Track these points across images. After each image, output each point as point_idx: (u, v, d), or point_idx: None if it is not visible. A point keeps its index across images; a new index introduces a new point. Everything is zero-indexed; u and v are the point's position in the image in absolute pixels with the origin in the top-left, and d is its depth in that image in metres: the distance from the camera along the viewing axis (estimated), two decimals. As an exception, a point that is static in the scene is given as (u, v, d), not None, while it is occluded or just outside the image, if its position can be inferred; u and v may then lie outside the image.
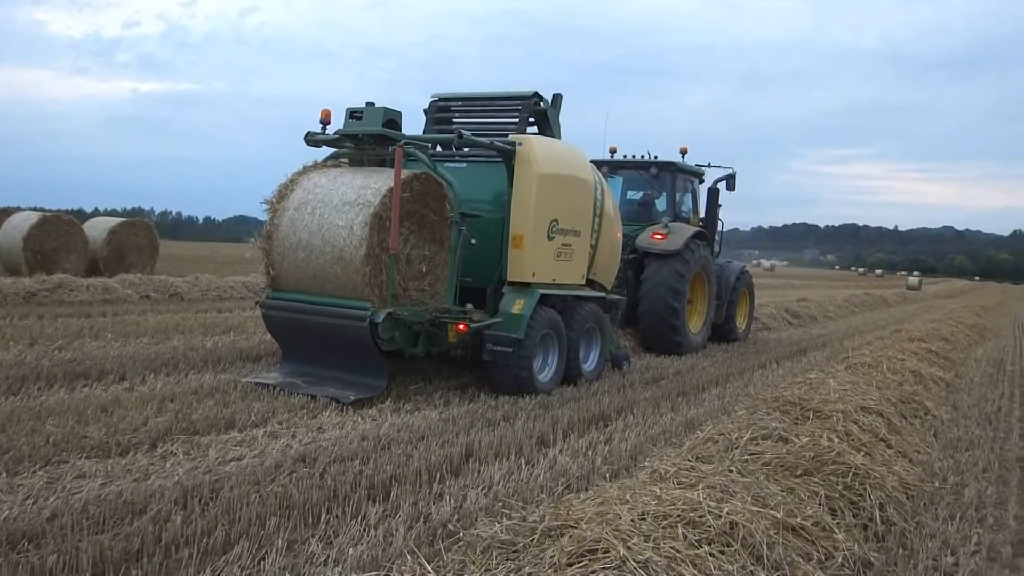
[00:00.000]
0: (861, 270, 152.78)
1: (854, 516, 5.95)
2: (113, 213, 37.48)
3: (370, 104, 10.31)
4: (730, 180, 17.95)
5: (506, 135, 10.80)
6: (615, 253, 13.09)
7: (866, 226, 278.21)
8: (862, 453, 6.97)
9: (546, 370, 10.60)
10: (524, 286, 10.39)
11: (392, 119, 10.31)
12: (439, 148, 11.77)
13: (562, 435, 8.15)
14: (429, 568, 4.20)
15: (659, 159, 17.02)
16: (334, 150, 10.93)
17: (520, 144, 10.38)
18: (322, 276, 9.48)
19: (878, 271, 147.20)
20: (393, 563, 4.63)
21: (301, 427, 7.78)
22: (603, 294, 12.38)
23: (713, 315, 16.94)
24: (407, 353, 9.65)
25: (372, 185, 9.46)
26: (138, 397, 8.36)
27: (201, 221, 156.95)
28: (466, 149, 11.53)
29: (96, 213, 47.40)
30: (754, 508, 5.14)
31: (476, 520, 5.35)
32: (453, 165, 11.40)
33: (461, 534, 5.02)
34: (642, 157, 17.18)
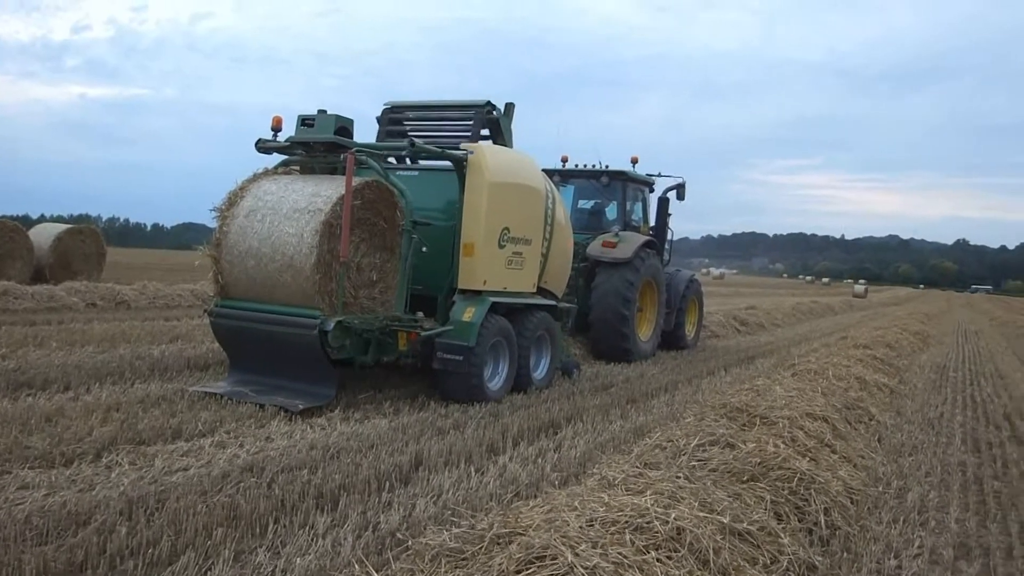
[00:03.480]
0: (809, 278, 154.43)
1: (799, 521, 6.01)
2: (59, 220, 36.94)
3: (322, 111, 10.28)
4: (680, 189, 18.15)
5: (459, 143, 10.84)
6: (566, 261, 13.15)
7: (814, 235, 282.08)
8: (807, 459, 7.06)
9: (496, 378, 10.63)
10: (475, 294, 10.45)
11: (344, 127, 10.26)
12: (392, 160, 11.75)
13: (512, 443, 8.16)
14: (377, 577, 4.20)
15: (610, 168, 17.19)
16: (285, 157, 10.86)
17: (472, 152, 10.45)
18: (272, 284, 9.39)
19: (825, 279, 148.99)
20: (341, 572, 4.62)
21: (249, 437, 7.71)
22: (554, 302, 12.38)
23: (663, 323, 17.08)
24: (357, 361, 9.55)
25: (323, 193, 9.42)
26: (83, 406, 8.24)
27: (149, 228, 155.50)
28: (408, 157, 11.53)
29: (42, 219, 46.74)
30: (701, 514, 5.18)
31: (425, 529, 5.34)
32: (405, 173, 11.43)
33: (410, 543, 5.00)
34: (593, 166, 17.35)
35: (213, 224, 9.94)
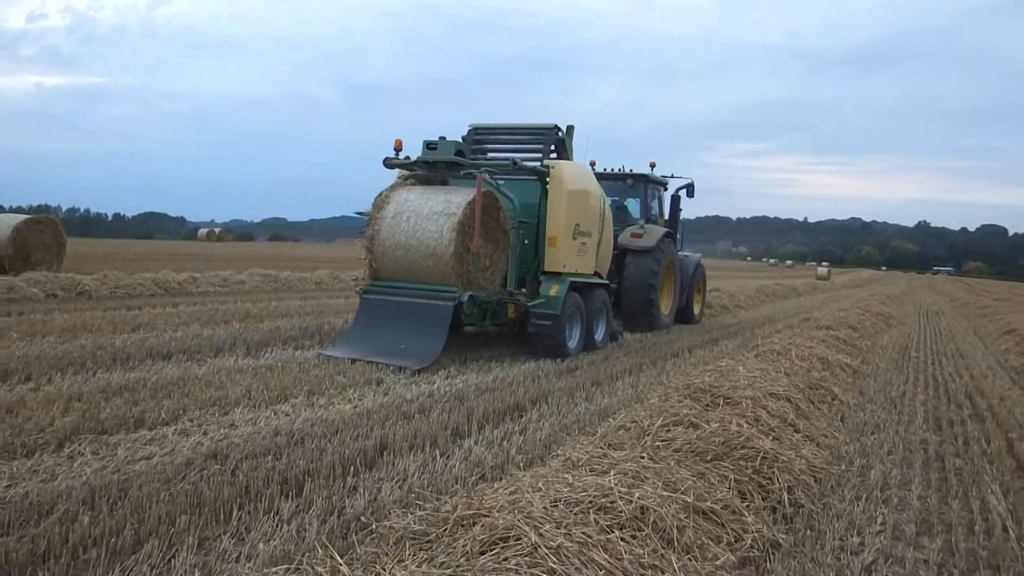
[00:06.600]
0: (772, 261, 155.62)
1: (763, 499, 6.06)
2: (19, 210, 36.49)
3: (442, 138, 13.23)
4: (689, 188, 21.06)
5: (533, 159, 14.23)
6: (610, 249, 16.36)
7: (777, 218, 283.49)
8: (771, 438, 7.11)
9: (572, 339, 13.70)
10: (556, 275, 13.60)
11: (460, 150, 13.21)
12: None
13: (477, 426, 8.16)
14: (341, 561, 4.19)
15: (633, 172, 20.13)
16: (404, 172, 13.87)
17: (553, 168, 13.69)
18: (416, 268, 12.28)
19: (788, 262, 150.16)
20: (305, 557, 4.60)
21: (212, 424, 7.66)
22: (607, 281, 15.82)
23: (679, 300, 20.26)
24: (479, 326, 13.06)
25: (454, 200, 12.28)
26: (44, 397, 8.16)
27: (110, 218, 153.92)
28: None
29: (0, 210, 46.19)
30: (665, 493, 5.21)
31: (390, 512, 5.34)
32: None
33: (374, 526, 5.01)
34: (618, 170, 20.13)
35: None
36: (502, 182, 13.75)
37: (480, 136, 15.15)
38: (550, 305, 13.03)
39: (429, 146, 13.23)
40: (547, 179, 13.67)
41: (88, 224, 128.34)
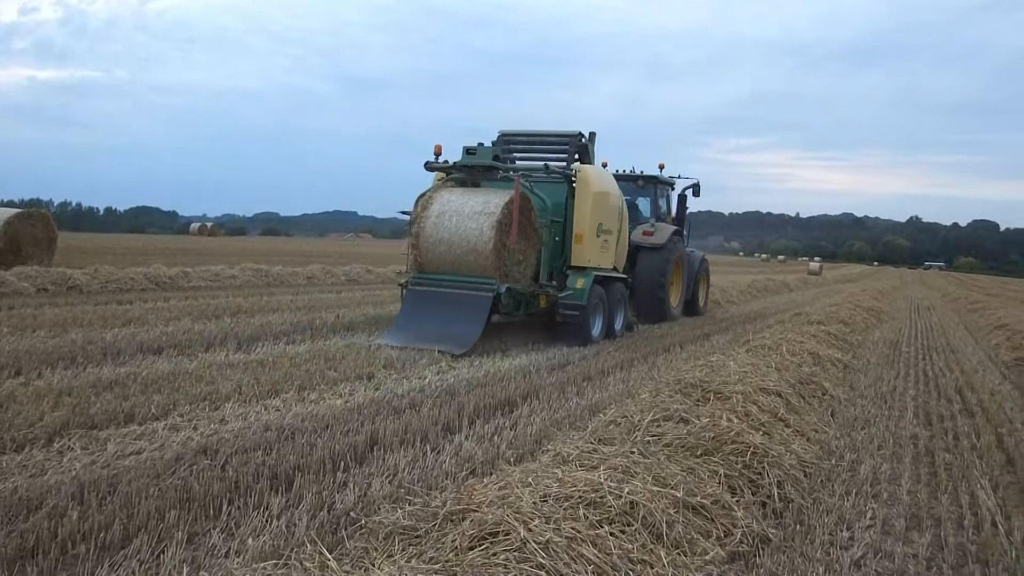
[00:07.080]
0: (764, 256, 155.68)
1: (753, 494, 6.06)
2: (10, 204, 36.16)
3: (481, 144, 14.72)
4: (695, 188, 22.58)
5: (562, 163, 15.47)
6: (626, 245, 17.40)
7: (769, 213, 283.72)
8: (761, 433, 7.12)
9: (596, 327, 14.97)
10: (582, 269, 14.80)
11: (496, 155, 14.59)
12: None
13: (468, 421, 8.15)
14: (330, 556, 4.18)
15: (644, 173, 21.27)
16: (442, 174, 15.13)
17: (580, 171, 14.96)
18: (458, 263, 13.44)
19: (780, 257, 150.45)
20: (294, 552, 4.59)
21: (203, 419, 7.65)
22: (625, 276, 17.06)
23: (686, 293, 21.46)
24: (514, 315, 14.03)
25: (492, 200, 13.51)
26: (34, 391, 8.13)
27: (102, 212, 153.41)
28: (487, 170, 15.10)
29: (-9, 204, 45.91)
30: (655, 488, 5.21)
31: (379, 508, 5.32)
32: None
33: (364, 521, 5.00)
34: (629, 171, 21.16)
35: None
36: (533, 184, 14.61)
37: (508, 141, 16.33)
38: (577, 296, 14.30)
39: (468, 151, 14.61)
40: (574, 182, 14.91)
41: (80, 218, 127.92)
